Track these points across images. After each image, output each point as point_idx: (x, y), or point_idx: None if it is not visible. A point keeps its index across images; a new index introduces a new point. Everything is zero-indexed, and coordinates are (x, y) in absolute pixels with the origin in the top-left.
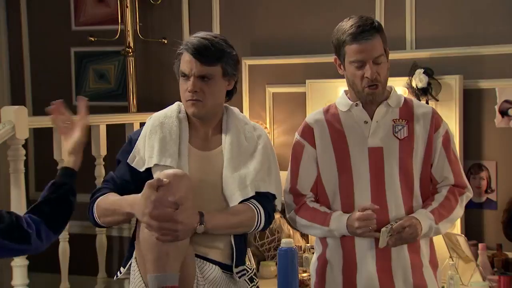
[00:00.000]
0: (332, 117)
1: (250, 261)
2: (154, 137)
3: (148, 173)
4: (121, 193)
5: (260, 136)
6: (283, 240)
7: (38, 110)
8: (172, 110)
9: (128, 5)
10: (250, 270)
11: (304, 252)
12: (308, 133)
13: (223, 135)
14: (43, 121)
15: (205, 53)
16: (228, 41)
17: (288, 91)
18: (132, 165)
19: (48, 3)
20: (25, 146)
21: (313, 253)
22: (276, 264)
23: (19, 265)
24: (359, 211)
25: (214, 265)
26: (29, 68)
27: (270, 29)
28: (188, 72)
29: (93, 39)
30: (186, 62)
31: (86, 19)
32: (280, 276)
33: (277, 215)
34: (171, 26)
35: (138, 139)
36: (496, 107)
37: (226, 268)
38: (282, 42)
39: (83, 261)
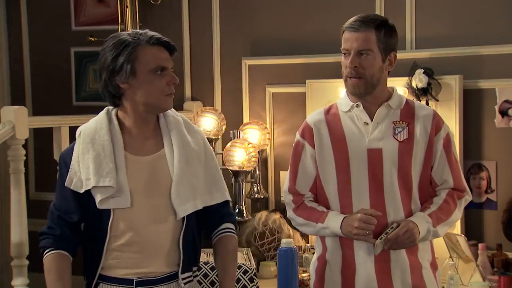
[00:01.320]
0: (332, 118)
1: (250, 261)
2: (88, 157)
3: (89, 194)
4: (68, 234)
5: (202, 136)
6: (283, 240)
7: (38, 110)
8: (100, 121)
9: (128, 5)
10: (250, 270)
11: (304, 252)
12: (308, 133)
13: (164, 138)
14: (43, 121)
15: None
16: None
17: (288, 91)
18: (71, 188)
19: (48, 3)
20: (25, 146)
21: (313, 253)
22: (276, 264)
23: (19, 265)
24: (360, 213)
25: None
26: (29, 68)
27: (270, 29)
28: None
29: (93, 39)
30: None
31: (86, 19)
32: (280, 276)
33: (277, 215)
34: (171, 26)
35: (72, 159)
36: (496, 107)
37: (172, 278)
38: (282, 42)
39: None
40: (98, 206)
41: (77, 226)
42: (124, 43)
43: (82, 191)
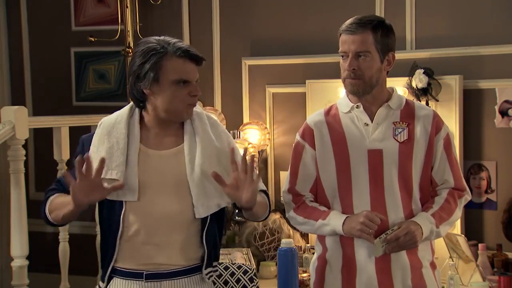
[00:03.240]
0: (332, 119)
1: (250, 261)
2: (102, 148)
3: None
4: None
5: (226, 133)
6: (283, 241)
7: (38, 110)
8: (122, 114)
9: (128, 5)
10: (250, 270)
11: (304, 252)
12: (308, 134)
13: (185, 134)
14: (43, 121)
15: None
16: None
17: (288, 91)
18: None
19: (48, 3)
20: (25, 146)
21: (313, 253)
22: (276, 264)
23: (19, 265)
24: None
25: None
26: (29, 68)
27: (270, 29)
28: (191, 79)
29: (93, 39)
30: (188, 69)
31: (86, 19)
32: (280, 276)
33: (277, 215)
34: (171, 26)
35: (91, 146)
36: (496, 107)
37: (191, 271)
38: (282, 42)
39: (83, 261)
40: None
41: None
42: (152, 51)
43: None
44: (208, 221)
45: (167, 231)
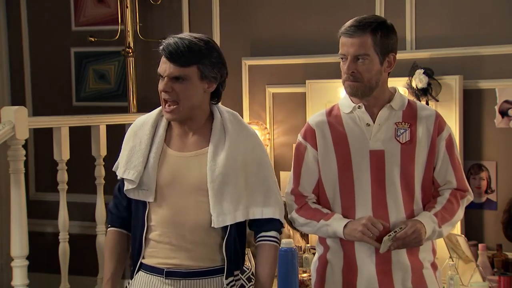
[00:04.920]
0: (334, 119)
1: (250, 261)
2: (126, 147)
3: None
4: (123, 214)
5: (256, 147)
6: (283, 241)
7: (38, 110)
8: (152, 115)
9: (128, 5)
10: (248, 270)
11: (304, 252)
12: (310, 135)
13: (212, 137)
14: (43, 121)
15: (178, 54)
16: (213, 42)
17: (288, 91)
18: (116, 171)
19: (48, 3)
20: (25, 146)
21: (313, 253)
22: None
23: (19, 265)
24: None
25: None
26: (29, 68)
27: (270, 29)
28: (162, 72)
29: (93, 39)
30: (162, 63)
31: (86, 19)
32: (280, 276)
33: None
34: (171, 26)
35: (122, 145)
36: (496, 108)
37: (211, 273)
38: (282, 42)
39: (83, 261)
40: (126, 194)
41: (129, 207)
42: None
43: (119, 176)
44: (228, 230)
45: (184, 234)
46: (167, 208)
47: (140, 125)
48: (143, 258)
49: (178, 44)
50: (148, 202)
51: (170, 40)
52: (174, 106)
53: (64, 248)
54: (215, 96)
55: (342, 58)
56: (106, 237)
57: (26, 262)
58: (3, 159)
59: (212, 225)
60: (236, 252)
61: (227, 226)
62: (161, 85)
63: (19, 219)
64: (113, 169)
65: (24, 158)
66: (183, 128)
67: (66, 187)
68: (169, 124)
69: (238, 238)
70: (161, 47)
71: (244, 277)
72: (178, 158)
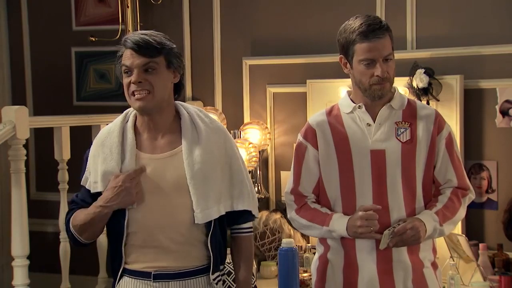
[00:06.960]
0: (334, 119)
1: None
2: (97, 160)
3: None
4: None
5: (226, 140)
6: (284, 240)
7: (38, 110)
8: (116, 123)
9: (129, 5)
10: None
11: (304, 252)
12: (310, 134)
13: (183, 136)
14: (43, 121)
15: (145, 45)
16: (167, 37)
17: (289, 91)
18: (86, 187)
19: (49, 3)
20: (25, 146)
21: (313, 253)
22: (277, 264)
23: (20, 264)
24: (360, 211)
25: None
26: (29, 68)
27: (270, 29)
28: (130, 65)
29: (93, 39)
30: (128, 57)
31: (87, 19)
32: (280, 276)
33: (277, 215)
34: (171, 26)
35: (88, 159)
36: (497, 107)
37: (199, 272)
38: (282, 42)
39: (83, 261)
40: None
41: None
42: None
43: (93, 191)
44: (213, 224)
45: (168, 236)
46: (149, 212)
47: (106, 135)
48: (126, 263)
49: (143, 38)
50: (127, 209)
51: (132, 36)
52: (146, 93)
53: (64, 248)
54: (177, 90)
55: (367, 64)
56: (72, 217)
57: (27, 262)
58: (3, 159)
59: (196, 222)
60: (220, 246)
61: (210, 221)
62: (133, 78)
63: (20, 218)
64: (82, 183)
65: (25, 157)
66: (151, 132)
67: (67, 186)
68: (135, 130)
69: (220, 232)
70: (126, 43)
71: (231, 278)
72: (152, 161)
